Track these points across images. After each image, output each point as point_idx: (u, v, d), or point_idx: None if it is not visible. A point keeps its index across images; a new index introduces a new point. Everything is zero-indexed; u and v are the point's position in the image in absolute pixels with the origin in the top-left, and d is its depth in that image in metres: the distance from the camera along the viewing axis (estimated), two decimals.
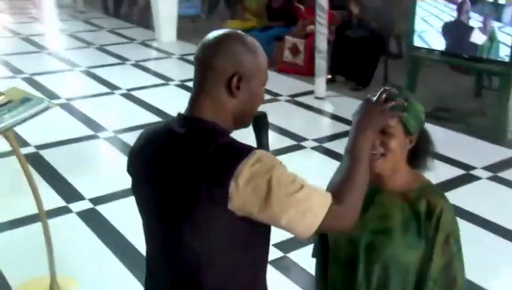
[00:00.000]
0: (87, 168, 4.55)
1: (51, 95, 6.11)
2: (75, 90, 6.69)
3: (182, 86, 6.75)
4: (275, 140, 5.14)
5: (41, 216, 2.85)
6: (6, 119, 2.46)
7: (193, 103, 1.35)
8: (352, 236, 1.51)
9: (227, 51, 1.31)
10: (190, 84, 6.22)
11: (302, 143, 5.11)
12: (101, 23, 10.65)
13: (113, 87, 6.66)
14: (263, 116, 1.47)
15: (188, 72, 7.24)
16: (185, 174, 1.24)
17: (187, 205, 1.25)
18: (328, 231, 1.39)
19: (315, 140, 5.16)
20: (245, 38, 1.35)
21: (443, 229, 1.48)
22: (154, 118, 5.50)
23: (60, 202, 3.89)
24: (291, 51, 7.62)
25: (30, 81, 6.77)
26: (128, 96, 6.34)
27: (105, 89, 6.59)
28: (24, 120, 2.51)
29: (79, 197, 3.99)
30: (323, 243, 1.65)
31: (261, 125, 1.48)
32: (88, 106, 5.94)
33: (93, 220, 3.71)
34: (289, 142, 5.10)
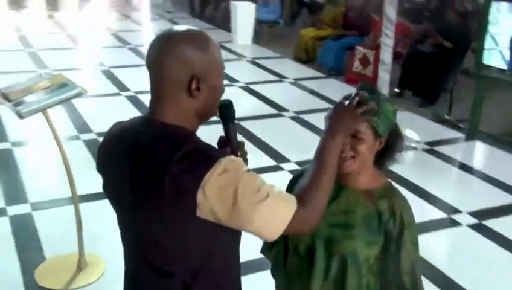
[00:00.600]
0: None
1: (121, 86, 6.49)
2: (144, 84, 7.03)
3: (246, 88, 6.89)
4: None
5: (74, 197, 3.04)
6: (43, 100, 2.69)
7: (155, 108, 1.33)
8: (317, 230, 1.50)
9: (180, 59, 1.28)
10: (255, 86, 6.45)
11: None
12: (185, 23, 11.05)
13: None
14: (228, 105, 1.48)
15: (255, 75, 7.49)
16: (154, 180, 1.24)
17: (157, 210, 1.27)
18: (291, 233, 1.41)
19: None
20: (191, 37, 1.31)
21: (405, 228, 1.53)
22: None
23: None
24: (361, 62, 7.51)
25: (107, 73, 7.23)
26: None
27: None
28: (59, 102, 2.72)
29: None
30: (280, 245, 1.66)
31: (226, 114, 1.49)
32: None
33: None
34: None
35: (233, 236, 1.38)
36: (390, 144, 1.57)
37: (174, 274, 1.32)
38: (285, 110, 6.14)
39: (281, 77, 7.54)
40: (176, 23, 11.17)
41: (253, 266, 2.86)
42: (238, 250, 1.45)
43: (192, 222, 1.25)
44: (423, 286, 1.59)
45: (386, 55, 6.05)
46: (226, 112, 1.48)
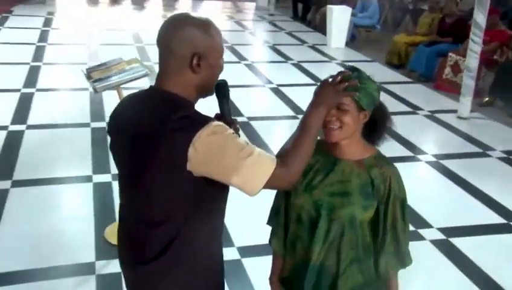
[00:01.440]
0: None
1: None
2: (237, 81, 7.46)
3: None
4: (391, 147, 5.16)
5: None
6: (114, 79, 3.12)
7: (161, 79, 1.54)
8: (316, 199, 1.70)
9: (184, 38, 1.49)
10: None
11: (419, 156, 5.02)
12: (283, 26, 11.48)
13: (265, 80, 7.27)
14: (224, 84, 1.71)
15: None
16: (152, 138, 1.45)
17: (152, 164, 1.46)
18: (271, 188, 1.57)
19: (434, 155, 5.03)
20: (197, 21, 1.52)
21: (393, 192, 1.68)
22: (288, 112, 5.97)
23: None
24: (452, 69, 7.34)
25: None
26: (275, 90, 6.87)
27: (258, 82, 7.23)
28: (126, 81, 3.14)
29: None
30: (286, 206, 1.86)
31: (222, 92, 1.72)
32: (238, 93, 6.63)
33: None
34: (405, 152, 5.07)
35: (219, 194, 1.58)
36: (378, 121, 1.73)
37: (161, 226, 1.53)
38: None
39: None
40: (275, 25, 11.59)
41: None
42: (223, 210, 1.66)
43: (183, 176, 1.44)
44: (406, 244, 1.73)
45: (472, 61, 5.89)
46: (221, 90, 1.71)
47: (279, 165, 1.49)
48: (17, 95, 6.04)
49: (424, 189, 4.43)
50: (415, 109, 6.39)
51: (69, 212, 3.80)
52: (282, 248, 1.86)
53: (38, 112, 5.55)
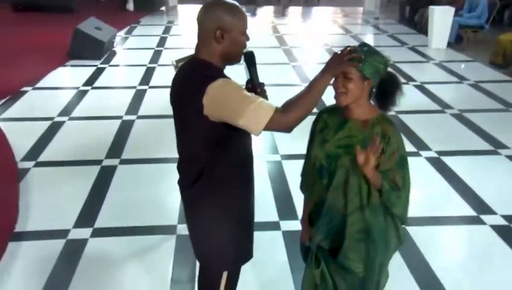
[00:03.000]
0: None
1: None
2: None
3: (420, 86, 7.11)
4: (470, 139, 5.20)
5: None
6: None
7: (197, 49, 2.03)
8: (327, 151, 2.08)
9: (211, 14, 1.95)
10: (429, 86, 6.67)
11: (500, 150, 5.00)
12: (387, 28, 11.53)
13: None
14: (251, 55, 2.15)
15: (435, 75, 7.60)
16: (185, 92, 1.95)
17: (183, 111, 1.98)
18: (272, 130, 1.96)
19: None
20: (225, 3, 1.97)
21: (391, 146, 1.99)
22: None
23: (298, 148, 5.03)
24: None
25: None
26: None
27: None
28: None
29: None
30: (307, 158, 2.25)
31: (250, 61, 2.16)
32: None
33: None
34: (484, 145, 5.09)
35: (234, 135, 1.99)
36: (388, 89, 2.04)
37: (193, 159, 2.04)
38: (450, 107, 6.24)
39: (462, 79, 7.51)
40: (378, 28, 11.68)
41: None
42: (243, 147, 2.11)
43: (203, 120, 1.92)
44: (403, 197, 2.03)
45: None
46: (248, 59, 2.15)
47: (278, 112, 1.90)
48: (133, 91, 6.98)
49: (500, 183, 4.45)
50: (508, 106, 6.26)
51: (161, 185, 4.45)
52: (308, 192, 2.27)
53: (147, 105, 6.41)
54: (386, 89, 2.04)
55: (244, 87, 2.12)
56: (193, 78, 1.96)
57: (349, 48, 1.99)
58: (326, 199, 2.10)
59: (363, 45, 2.05)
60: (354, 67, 1.96)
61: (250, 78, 2.20)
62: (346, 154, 2.03)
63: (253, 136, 2.08)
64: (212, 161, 2.02)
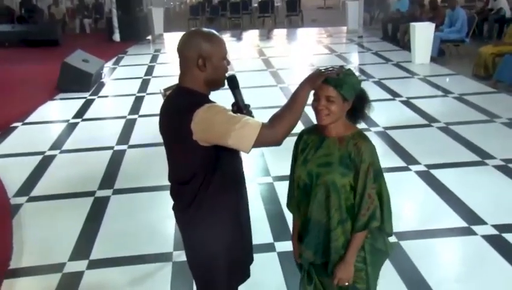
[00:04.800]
0: None
1: None
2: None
3: (406, 102, 7.23)
4: (457, 152, 5.28)
5: None
6: None
7: (181, 78, 2.11)
8: (308, 169, 2.16)
9: (191, 44, 2.04)
10: (414, 100, 6.81)
11: (487, 160, 5.08)
12: (370, 46, 11.75)
13: None
14: (232, 78, 2.23)
15: (419, 90, 7.74)
16: (173, 120, 2.03)
17: (174, 139, 2.06)
18: (261, 146, 2.03)
19: (504, 160, 5.06)
20: (203, 32, 2.07)
21: (364, 162, 2.08)
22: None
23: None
24: None
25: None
26: None
27: None
28: None
29: None
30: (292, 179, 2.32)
31: (232, 84, 2.24)
32: None
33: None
34: (472, 157, 5.18)
35: (226, 156, 2.07)
36: (358, 104, 2.14)
37: (188, 183, 2.10)
38: (437, 121, 6.34)
39: (446, 92, 7.65)
40: (362, 46, 11.89)
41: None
42: (233, 166, 2.17)
43: (193, 145, 2.00)
44: (374, 209, 2.08)
45: None
46: (231, 82, 2.23)
47: (265, 127, 1.97)
48: (123, 121, 7.03)
49: (483, 193, 4.52)
50: (492, 117, 6.38)
51: (155, 213, 4.47)
52: (295, 211, 2.34)
53: (138, 134, 6.46)
54: (358, 104, 2.14)
55: (230, 110, 2.17)
56: (179, 106, 2.04)
57: (328, 68, 2.08)
58: (309, 217, 2.18)
59: (342, 67, 2.13)
60: (336, 91, 2.04)
61: (235, 101, 2.28)
62: (325, 172, 2.11)
63: (244, 155, 2.14)
64: (206, 182, 2.08)
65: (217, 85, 2.15)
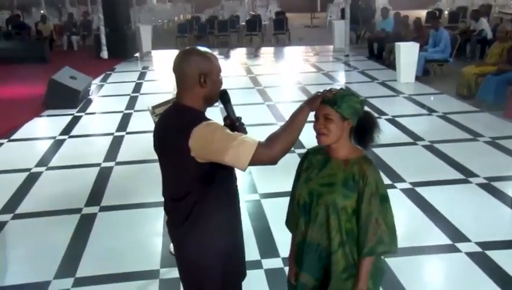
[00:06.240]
0: None
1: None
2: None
3: (391, 120, 7.34)
4: (442, 170, 5.36)
5: None
6: None
7: (179, 95, 2.15)
8: (310, 188, 2.18)
9: (190, 63, 2.10)
10: (400, 119, 6.92)
11: (470, 178, 5.17)
12: (357, 65, 11.91)
13: None
14: (224, 92, 2.28)
15: (405, 109, 7.85)
16: (170, 137, 2.09)
17: (171, 155, 2.11)
18: (257, 164, 2.07)
19: (486, 178, 5.15)
20: (201, 51, 2.13)
21: (369, 186, 2.08)
22: None
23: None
24: None
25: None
26: None
27: None
28: None
29: None
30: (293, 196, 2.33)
31: (225, 99, 2.30)
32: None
33: None
34: (456, 175, 5.25)
35: (223, 173, 2.12)
36: (366, 128, 2.15)
37: (183, 199, 2.13)
38: (421, 139, 6.44)
39: (431, 111, 7.78)
40: (349, 65, 12.05)
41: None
42: (228, 183, 2.21)
43: (191, 162, 2.04)
44: (385, 235, 2.09)
45: None
46: (224, 97, 2.29)
47: (261, 146, 2.01)
48: (111, 138, 7.02)
49: (465, 210, 4.59)
50: (475, 135, 6.49)
51: (142, 230, 4.47)
52: (294, 229, 2.33)
53: (125, 151, 6.45)
54: (364, 127, 2.15)
55: (223, 124, 2.23)
56: (178, 123, 2.08)
57: (328, 89, 2.13)
58: (307, 237, 2.18)
59: (341, 88, 2.20)
60: (334, 110, 2.08)
61: (227, 114, 2.34)
62: (327, 192, 2.12)
63: (239, 172, 2.17)
64: (201, 199, 2.12)
65: (213, 100, 2.21)
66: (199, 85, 2.11)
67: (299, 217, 2.23)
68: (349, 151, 2.16)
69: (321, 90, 2.13)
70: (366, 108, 2.19)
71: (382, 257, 2.26)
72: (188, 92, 2.14)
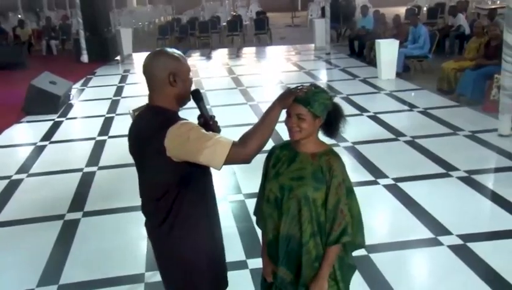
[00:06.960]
0: None
1: None
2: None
3: (373, 116, 7.40)
4: (423, 164, 5.42)
5: None
6: None
7: (152, 97, 2.15)
8: (280, 183, 2.20)
9: (159, 64, 2.11)
10: (381, 115, 6.97)
11: (451, 172, 5.23)
12: (338, 63, 11.99)
13: None
14: (196, 91, 2.30)
15: (386, 105, 7.93)
16: (144, 138, 2.08)
17: (146, 155, 2.10)
18: (232, 163, 2.08)
19: (467, 171, 5.22)
20: (169, 52, 2.15)
21: (336, 177, 2.14)
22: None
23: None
24: (499, 90, 7.42)
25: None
26: None
27: None
28: None
29: None
30: (262, 194, 2.35)
31: (197, 97, 2.31)
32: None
33: None
34: (437, 169, 5.32)
35: (199, 172, 2.12)
36: (333, 120, 2.20)
37: (161, 199, 2.11)
38: (403, 135, 6.50)
39: (412, 107, 7.86)
40: (330, 63, 12.12)
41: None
42: (205, 183, 2.22)
43: (167, 162, 2.03)
44: (346, 224, 2.14)
45: (507, 80, 6.06)
46: (195, 96, 2.30)
47: (236, 145, 2.02)
48: (92, 142, 6.97)
49: (448, 205, 4.65)
50: (455, 130, 6.58)
51: (126, 234, 4.44)
52: (264, 225, 2.34)
53: (108, 155, 6.42)
54: (332, 119, 2.21)
55: (197, 123, 2.24)
56: (153, 124, 2.07)
57: (299, 87, 2.14)
58: (282, 231, 2.20)
59: (312, 85, 2.21)
60: (306, 109, 2.11)
61: (201, 113, 2.35)
62: (298, 186, 2.15)
63: (215, 172, 2.17)
64: (179, 198, 2.12)
65: (185, 99, 2.21)
66: (170, 85, 2.11)
67: (271, 212, 2.25)
68: (316, 145, 2.22)
69: (292, 87, 2.14)
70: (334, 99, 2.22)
71: (352, 254, 2.30)
72: (160, 92, 2.14)
